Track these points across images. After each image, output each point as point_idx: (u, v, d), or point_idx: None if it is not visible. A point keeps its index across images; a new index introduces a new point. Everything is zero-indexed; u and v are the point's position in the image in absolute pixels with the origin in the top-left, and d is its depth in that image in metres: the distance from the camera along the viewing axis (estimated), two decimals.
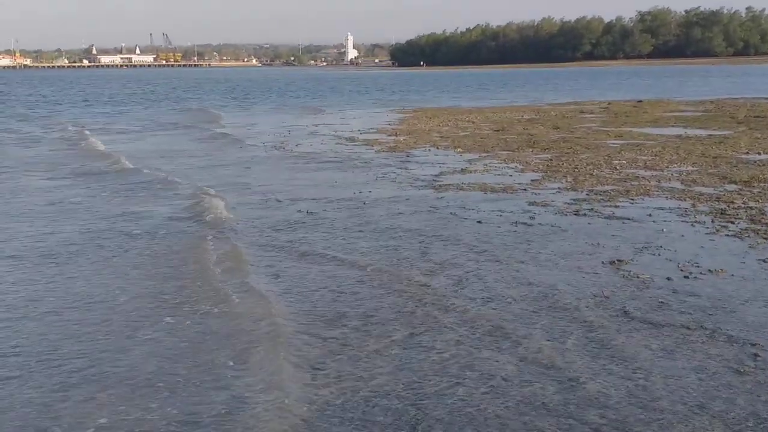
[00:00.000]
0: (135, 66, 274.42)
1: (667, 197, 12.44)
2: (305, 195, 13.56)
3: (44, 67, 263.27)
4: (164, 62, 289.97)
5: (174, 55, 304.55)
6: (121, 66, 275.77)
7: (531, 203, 12.26)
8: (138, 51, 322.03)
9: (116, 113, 40.50)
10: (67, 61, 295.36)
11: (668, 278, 8.07)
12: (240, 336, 6.67)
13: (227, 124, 30.78)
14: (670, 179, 14.17)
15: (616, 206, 11.79)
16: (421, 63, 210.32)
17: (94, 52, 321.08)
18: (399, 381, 5.69)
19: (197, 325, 6.97)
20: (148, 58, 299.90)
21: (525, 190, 13.48)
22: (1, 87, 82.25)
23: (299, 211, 12.10)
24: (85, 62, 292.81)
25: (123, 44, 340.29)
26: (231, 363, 6.08)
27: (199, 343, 6.50)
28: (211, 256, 9.42)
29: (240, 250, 9.63)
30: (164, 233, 10.72)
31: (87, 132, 27.47)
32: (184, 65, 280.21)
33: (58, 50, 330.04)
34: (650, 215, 11.12)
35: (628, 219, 10.91)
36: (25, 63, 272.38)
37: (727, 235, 9.84)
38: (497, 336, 6.56)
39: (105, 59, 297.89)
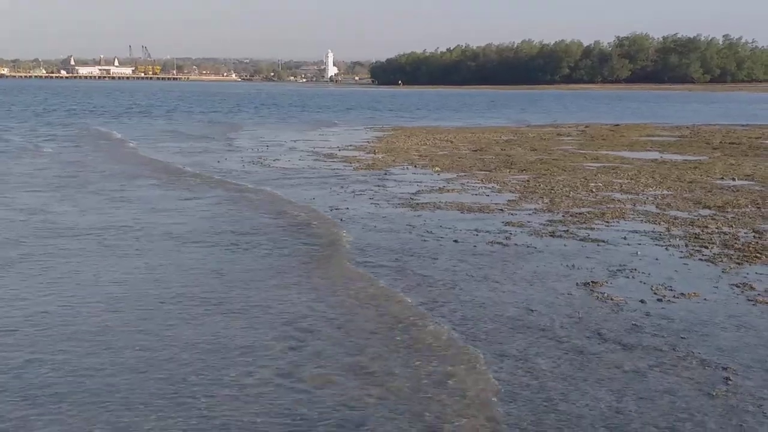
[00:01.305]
0: (113, 78, 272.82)
1: (642, 221, 12.52)
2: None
3: (22, 77, 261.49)
4: (143, 75, 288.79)
5: (153, 68, 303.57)
6: (100, 77, 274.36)
7: (507, 223, 12.30)
8: (117, 63, 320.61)
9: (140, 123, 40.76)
10: (44, 72, 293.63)
11: (642, 301, 8.11)
12: None
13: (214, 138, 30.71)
14: (645, 203, 14.28)
15: (592, 228, 11.85)
16: (399, 82, 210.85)
17: (73, 63, 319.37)
18: (369, 394, 5.68)
19: None
20: (127, 71, 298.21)
21: (502, 210, 13.53)
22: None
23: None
24: (63, 73, 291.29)
25: (102, 56, 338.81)
26: None
27: None
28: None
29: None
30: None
31: (132, 144, 27.04)
32: (163, 78, 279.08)
33: (36, 60, 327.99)
34: (625, 238, 11.19)
35: (603, 241, 10.97)
36: (2, 72, 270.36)
37: (701, 260, 9.92)
38: (471, 356, 6.56)
39: (83, 70, 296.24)
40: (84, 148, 26.01)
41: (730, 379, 6.08)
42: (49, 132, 33.37)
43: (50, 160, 21.61)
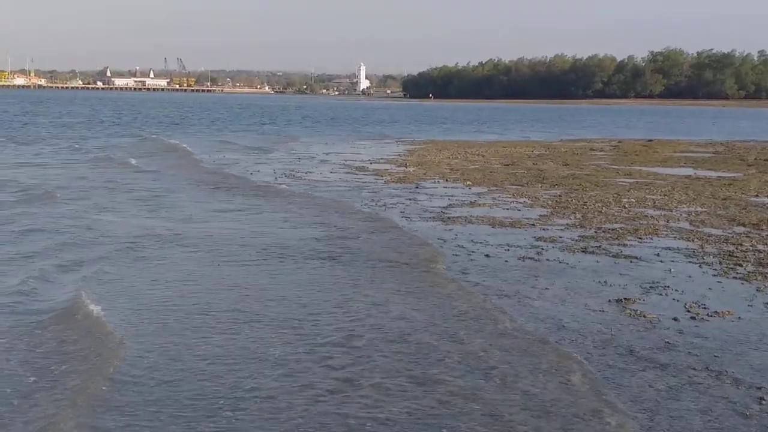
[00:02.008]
0: (149, 89, 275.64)
1: (675, 237, 12.43)
2: (314, 221, 13.59)
3: (58, 87, 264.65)
4: (177, 86, 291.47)
5: (188, 80, 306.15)
6: (135, 89, 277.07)
7: (539, 238, 12.25)
8: (152, 74, 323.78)
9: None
10: (81, 83, 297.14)
11: (675, 319, 8.05)
12: None
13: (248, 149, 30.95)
14: (678, 219, 14.17)
15: (624, 245, 11.78)
16: (429, 95, 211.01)
17: (109, 74, 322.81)
18: (410, 415, 5.69)
19: None
20: (162, 82, 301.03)
21: (533, 225, 13.48)
22: (29, 107, 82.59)
23: (310, 237, 12.11)
24: (99, 84, 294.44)
25: (137, 67, 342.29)
26: None
27: None
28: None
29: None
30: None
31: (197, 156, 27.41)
32: (198, 90, 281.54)
33: (73, 71, 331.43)
34: (658, 255, 11.11)
35: (636, 258, 10.90)
36: (40, 83, 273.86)
37: (735, 278, 9.82)
38: (503, 371, 6.54)
39: (119, 82, 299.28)
40: (162, 159, 26.58)
41: (764, 399, 6.02)
42: (123, 142, 34.61)
43: (137, 171, 22.10)
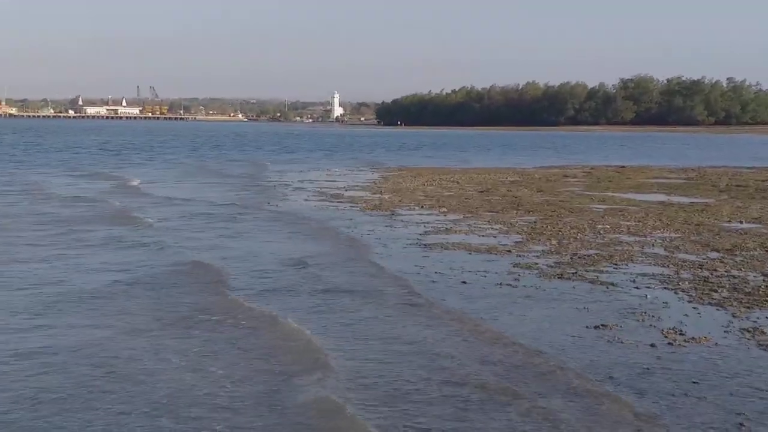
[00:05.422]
0: (121, 118, 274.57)
1: (650, 263, 12.48)
2: (294, 249, 13.55)
3: (30, 116, 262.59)
4: (150, 115, 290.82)
5: (160, 108, 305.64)
6: (107, 117, 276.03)
7: (515, 265, 12.27)
8: (124, 103, 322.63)
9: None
10: (53, 111, 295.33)
11: (652, 345, 8.07)
12: None
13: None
14: (653, 245, 14.24)
15: (600, 271, 11.81)
16: (399, 122, 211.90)
17: (80, 102, 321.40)
18: None
19: None
20: (134, 110, 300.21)
21: (509, 251, 13.50)
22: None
23: (285, 266, 12.07)
24: (71, 113, 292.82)
25: (110, 96, 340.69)
26: None
27: None
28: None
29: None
30: None
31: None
32: (170, 118, 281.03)
33: (44, 100, 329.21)
34: (634, 281, 11.15)
35: (612, 284, 10.93)
36: (11, 112, 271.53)
37: (710, 304, 9.86)
38: (482, 398, 6.52)
39: (91, 110, 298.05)
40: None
41: (743, 425, 6.04)
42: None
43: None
